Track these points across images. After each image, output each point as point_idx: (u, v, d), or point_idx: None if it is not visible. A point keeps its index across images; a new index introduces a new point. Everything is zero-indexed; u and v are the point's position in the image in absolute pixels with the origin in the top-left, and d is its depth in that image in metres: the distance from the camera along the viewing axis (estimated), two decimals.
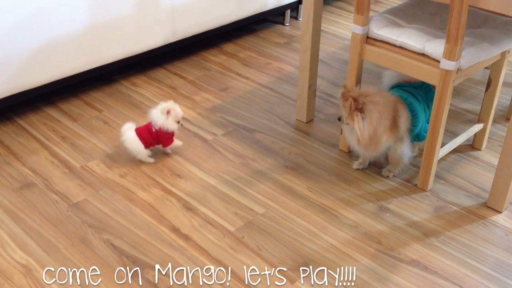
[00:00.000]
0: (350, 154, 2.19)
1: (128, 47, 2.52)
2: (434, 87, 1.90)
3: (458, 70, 1.80)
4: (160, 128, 2.05)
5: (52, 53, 2.27)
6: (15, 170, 2.05)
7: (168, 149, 2.14)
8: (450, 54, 1.75)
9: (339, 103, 1.93)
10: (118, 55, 2.50)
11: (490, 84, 2.08)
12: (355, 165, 2.11)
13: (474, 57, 1.81)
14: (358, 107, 1.85)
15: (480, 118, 2.16)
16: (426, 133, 1.96)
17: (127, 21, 2.46)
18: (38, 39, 2.21)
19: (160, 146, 2.12)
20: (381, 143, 1.90)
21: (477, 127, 2.15)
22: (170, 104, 2.07)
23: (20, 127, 2.29)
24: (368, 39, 1.98)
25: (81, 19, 2.31)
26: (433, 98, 1.91)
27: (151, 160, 2.10)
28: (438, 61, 1.81)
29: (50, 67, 2.29)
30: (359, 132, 1.86)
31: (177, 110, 2.08)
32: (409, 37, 1.88)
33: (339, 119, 1.96)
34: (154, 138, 2.07)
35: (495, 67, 2.04)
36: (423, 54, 1.86)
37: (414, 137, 2.01)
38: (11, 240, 1.75)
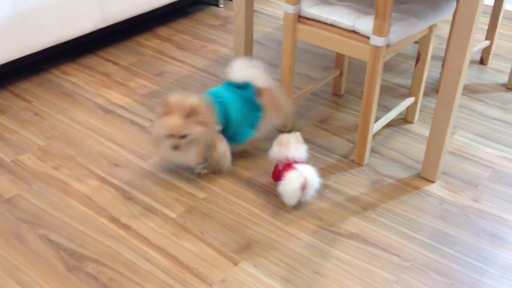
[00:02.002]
0: (289, 133, 2.20)
1: (55, 34, 2.42)
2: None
3: (388, 45, 1.84)
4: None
5: None
6: None
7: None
8: (379, 30, 1.78)
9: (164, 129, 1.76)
10: (45, 43, 2.41)
11: (419, 59, 2.13)
12: (199, 169, 1.97)
13: (403, 32, 1.85)
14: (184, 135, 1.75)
15: (412, 92, 2.22)
16: (244, 137, 1.92)
17: (51, 6, 2.36)
18: None
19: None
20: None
21: (409, 101, 2.21)
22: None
23: None
24: (300, 18, 1.99)
25: (3, 6, 2.19)
26: (254, 103, 1.90)
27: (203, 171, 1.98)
28: (368, 38, 1.83)
29: None
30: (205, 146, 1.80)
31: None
32: (340, 15, 1.90)
33: (176, 147, 1.78)
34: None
35: (423, 42, 2.10)
36: (353, 31, 1.88)
37: (228, 138, 1.92)
38: None
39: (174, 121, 1.74)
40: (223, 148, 1.90)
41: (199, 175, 1.95)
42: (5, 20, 2.21)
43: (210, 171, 1.96)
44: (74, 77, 2.52)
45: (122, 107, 2.32)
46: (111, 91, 2.43)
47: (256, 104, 1.94)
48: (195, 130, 1.77)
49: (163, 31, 2.97)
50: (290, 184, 1.77)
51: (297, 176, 1.77)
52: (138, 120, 2.25)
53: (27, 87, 2.43)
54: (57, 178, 1.93)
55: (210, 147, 1.86)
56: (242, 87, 1.94)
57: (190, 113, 1.75)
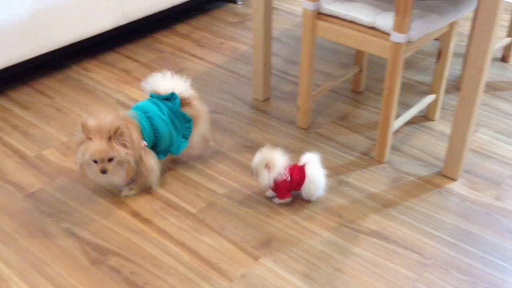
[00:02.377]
0: (308, 130, 2.21)
1: (77, 31, 2.45)
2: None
3: (408, 42, 1.83)
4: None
5: None
6: None
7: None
8: (399, 26, 1.77)
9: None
10: (66, 40, 2.43)
11: (440, 55, 2.12)
12: (126, 191, 1.88)
13: (423, 28, 1.84)
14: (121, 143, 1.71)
15: (432, 89, 2.21)
16: (180, 148, 1.89)
17: (73, 3, 2.38)
18: None
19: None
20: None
21: (430, 98, 2.20)
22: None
23: None
24: (320, 14, 1.99)
25: (26, 4, 2.22)
26: (182, 114, 1.87)
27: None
28: (389, 34, 1.83)
29: None
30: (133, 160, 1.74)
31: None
32: (360, 11, 1.90)
33: (104, 171, 1.72)
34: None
35: (444, 38, 2.08)
36: (373, 28, 1.88)
37: (161, 152, 1.88)
38: None
39: (97, 146, 1.66)
40: (152, 163, 1.82)
41: (126, 197, 1.86)
42: (28, 17, 2.24)
43: (139, 190, 1.88)
44: (95, 73, 2.55)
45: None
46: (131, 88, 2.45)
47: (184, 114, 1.89)
48: (121, 151, 1.69)
49: (182, 28, 2.98)
50: (315, 177, 1.79)
51: (315, 169, 1.79)
52: None
53: (49, 83, 2.46)
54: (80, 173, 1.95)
55: (138, 164, 1.80)
56: (168, 98, 1.88)
57: (112, 135, 1.67)
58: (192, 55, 2.73)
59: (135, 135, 1.75)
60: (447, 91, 2.45)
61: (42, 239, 1.69)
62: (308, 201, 1.86)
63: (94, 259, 1.63)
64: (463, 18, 3.15)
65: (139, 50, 2.76)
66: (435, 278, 1.60)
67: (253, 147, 2.10)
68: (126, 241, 1.70)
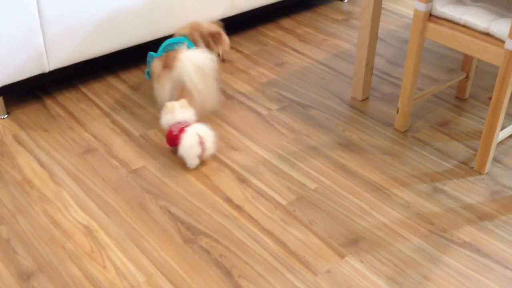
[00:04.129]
0: (405, 134, 2.17)
1: (188, 19, 2.55)
2: None
3: None
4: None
5: (114, 24, 2.33)
6: (78, 135, 2.14)
7: None
8: None
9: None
10: (177, 28, 2.54)
11: None
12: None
13: None
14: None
15: None
16: None
17: None
18: (101, 11, 2.27)
19: None
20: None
21: None
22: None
23: (83, 94, 2.38)
24: (431, 16, 1.94)
25: None
26: None
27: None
28: (503, 41, 1.75)
29: (112, 38, 2.36)
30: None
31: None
32: (474, 16, 1.83)
33: (220, 57, 2.27)
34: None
35: None
36: (487, 34, 1.81)
37: None
38: (73, 202, 1.84)
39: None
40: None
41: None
42: (144, 3, 2.37)
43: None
44: None
45: (242, 93, 2.40)
46: (233, 78, 2.53)
47: None
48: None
49: (286, 22, 3.02)
50: (187, 143, 1.92)
51: (191, 134, 1.92)
52: (256, 107, 2.32)
53: None
54: (179, 156, 2.05)
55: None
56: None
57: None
58: (294, 49, 2.76)
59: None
60: None
61: (141, 214, 1.80)
62: (400, 206, 1.83)
63: (186, 238, 1.71)
64: None
65: (243, 42, 2.83)
66: None
67: (347, 145, 2.10)
68: (217, 224, 1.76)
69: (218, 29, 2.30)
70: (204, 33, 2.25)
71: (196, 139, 1.93)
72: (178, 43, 2.15)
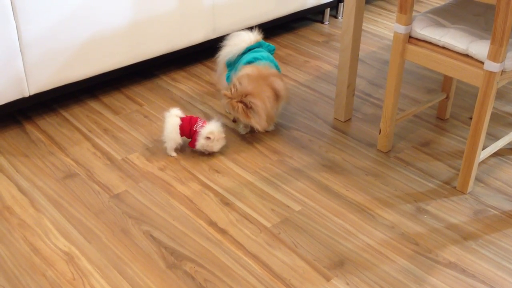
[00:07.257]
0: (388, 154, 2.18)
1: (170, 43, 2.56)
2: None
3: (503, 72, 1.77)
4: (196, 130, 2.12)
5: (96, 48, 2.32)
6: (59, 160, 2.11)
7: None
8: (495, 55, 1.72)
9: (227, 106, 2.18)
10: (159, 51, 2.55)
11: None
12: (242, 130, 2.29)
13: None
14: (248, 107, 2.10)
15: None
16: None
17: (169, 17, 2.50)
18: (82, 34, 2.26)
19: (187, 143, 2.20)
20: (274, 115, 2.21)
21: None
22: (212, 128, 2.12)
23: (64, 118, 2.36)
24: (411, 38, 1.97)
25: (124, 15, 2.35)
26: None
27: (174, 154, 2.14)
28: (482, 63, 1.78)
29: (93, 62, 2.35)
30: (259, 126, 2.14)
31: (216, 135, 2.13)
32: (453, 38, 1.86)
33: (234, 120, 2.27)
34: (188, 133, 2.12)
35: None
36: (466, 55, 1.84)
37: None
38: (54, 228, 1.81)
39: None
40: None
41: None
42: (126, 27, 2.37)
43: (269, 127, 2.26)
44: (182, 84, 2.65)
45: (225, 116, 2.40)
46: (215, 100, 2.52)
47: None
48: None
49: None
50: (168, 127, 2.09)
51: (173, 119, 2.10)
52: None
53: (139, 91, 2.58)
54: (162, 179, 2.03)
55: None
56: (258, 46, 2.35)
57: (246, 94, 2.12)
58: None
59: (262, 104, 2.15)
60: None
61: (123, 239, 1.77)
62: (384, 226, 1.83)
63: (170, 263, 1.69)
64: None
65: None
66: None
67: (331, 167, 2.10)
68: (201, 249, 1.74)
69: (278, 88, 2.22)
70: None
71: (177, 128, 2.09)
72: (258, 59, 2.25)
